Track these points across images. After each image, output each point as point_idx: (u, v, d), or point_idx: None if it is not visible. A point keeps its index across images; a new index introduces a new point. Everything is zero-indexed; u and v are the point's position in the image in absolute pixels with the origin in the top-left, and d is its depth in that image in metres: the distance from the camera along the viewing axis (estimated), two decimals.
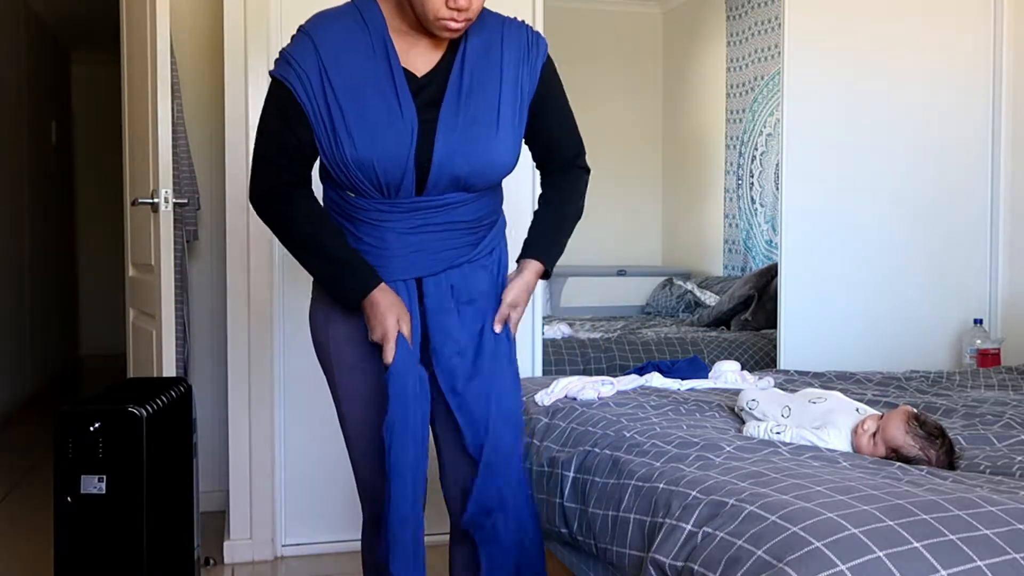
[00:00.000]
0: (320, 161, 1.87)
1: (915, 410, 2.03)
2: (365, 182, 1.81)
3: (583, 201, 2.05)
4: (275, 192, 1.87)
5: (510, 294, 1.93)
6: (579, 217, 2.03)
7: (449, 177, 1.83)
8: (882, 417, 2.01)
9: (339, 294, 1.88)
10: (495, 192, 1.97)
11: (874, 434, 1.98)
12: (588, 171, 2.06)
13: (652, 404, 2.44)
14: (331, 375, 1.96)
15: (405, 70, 1.81)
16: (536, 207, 2.05)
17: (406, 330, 1.85)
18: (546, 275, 2.00)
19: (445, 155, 1.81)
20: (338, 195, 1.88)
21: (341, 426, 2.00)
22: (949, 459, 1.94)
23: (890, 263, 3.48)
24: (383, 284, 1.85)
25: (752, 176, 4.92)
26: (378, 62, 1.79)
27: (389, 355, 1.83)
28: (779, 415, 2.14)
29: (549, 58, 1.93)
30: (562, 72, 1.98)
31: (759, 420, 2.15)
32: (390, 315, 1.84)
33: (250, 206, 3.08)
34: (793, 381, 2.85)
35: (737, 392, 2.52)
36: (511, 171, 1.92)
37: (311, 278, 3.22)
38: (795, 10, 3.36)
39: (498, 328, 1.92)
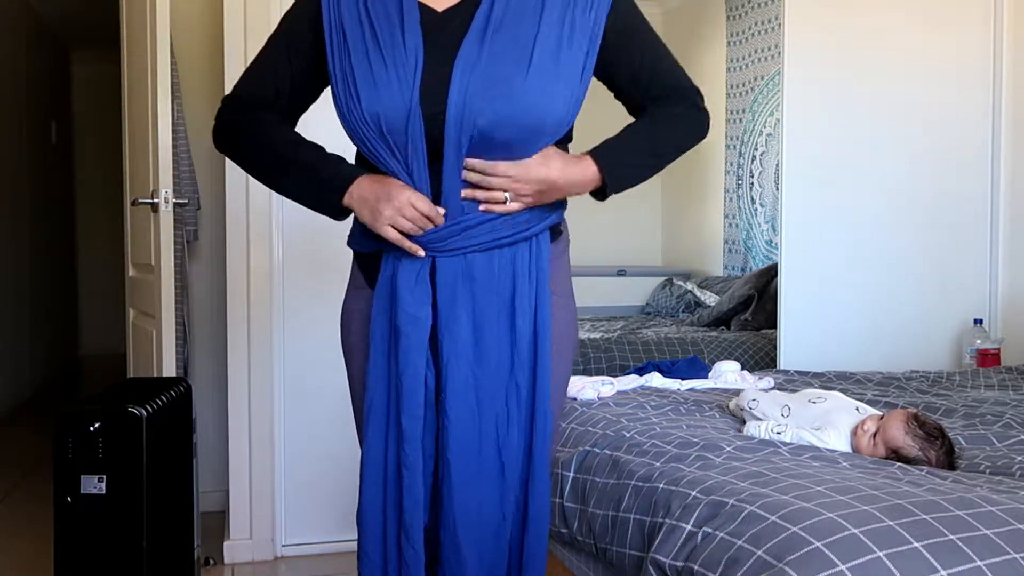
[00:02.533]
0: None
1: (915, 410, 2.03)
2: (373, 141, 1.53)
3: (685, 135, 1.67)
4: (244, 105, 1.65)
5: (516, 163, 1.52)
6: (674, 147, 1.66)
7: (470, 132, 1.49)
8: (882, 418, 2.01)
9: (319, 197, 1.59)
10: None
11: (874, 435, 1.98)
12: (702, 109, 1.70)
13: (652, 404, 2.44)
14: (350, 375, 1.74)
15: (422, 5, 1.56)
16: None
17: (425, 207, 1.50)
18: (602, 192, 1.61)
19: (461, 97, 1.48)
20: None
21: (357, 432, 1.77)
22: (949, 460, 1.94)
23: (890, 263, 3.47)
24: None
25: (752, 176, 4.92)
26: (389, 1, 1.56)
27: (413, 223, 1.50)
28: (779, 415, 2.14)
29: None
30: None
31: (759, 420, 2.15)
32: (394, 186, 1.51)
33: (249, 200, 3.13)
34: (793, 381, 2.85)
35: (737, 392, 2.52)
36: (553, 129, 1.54)
37: (316, 278, 3.24)
38: (795, 10, 3.35)
39: (480, 196, 1.52)
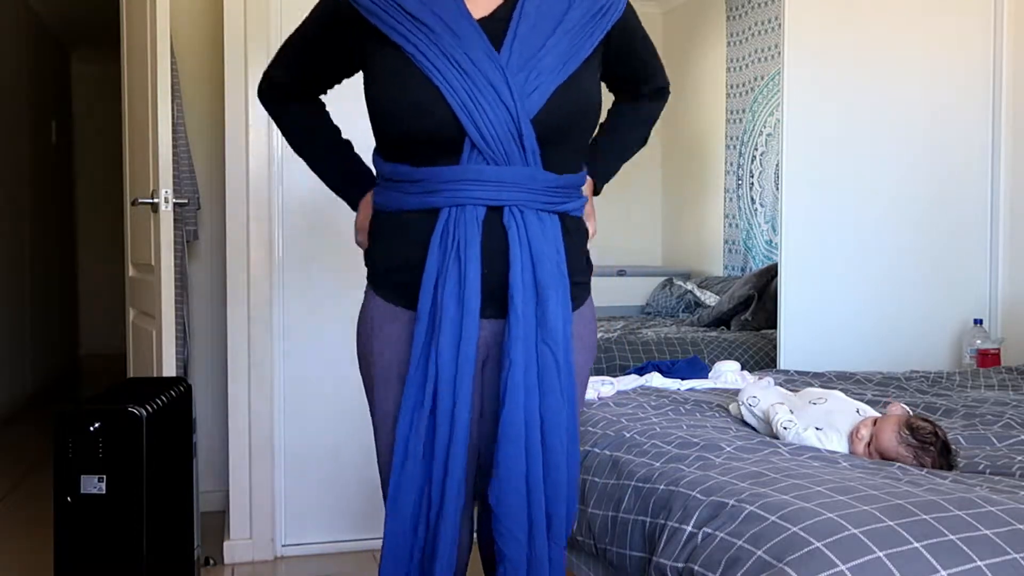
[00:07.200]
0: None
1: (908, 414, 2.01)
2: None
3: (650, 127, 1.95)
4: (281, 93, 1.83)
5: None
6: (642, 143, 1.94)
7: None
8: (875, 423, 2.00)
9: (344, 189, 1.83)
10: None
11: (868, 443, 1.97)
12: (664, 96, 1.94)
13: (652, 404, 2.44)
14: (370, 392, 1.71)
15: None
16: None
17: None
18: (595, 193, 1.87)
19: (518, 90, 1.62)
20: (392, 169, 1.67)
21: (376, 444, 1.74)
22: (947, 459, 1.93)
23: (890, 263, 3.48)
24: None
25: (752, 176, 4.92)
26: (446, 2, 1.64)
27: None
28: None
29: (628, 7, 1.75)
30: None
31: (788, 419, 2.11)
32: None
33: (249, 200, 3.13)
34: (793, 381, 2.85)
35: (736, 393, 2.52)
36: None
37: (316, 278, 3.23)
38: (795, 10, 3.35)
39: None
